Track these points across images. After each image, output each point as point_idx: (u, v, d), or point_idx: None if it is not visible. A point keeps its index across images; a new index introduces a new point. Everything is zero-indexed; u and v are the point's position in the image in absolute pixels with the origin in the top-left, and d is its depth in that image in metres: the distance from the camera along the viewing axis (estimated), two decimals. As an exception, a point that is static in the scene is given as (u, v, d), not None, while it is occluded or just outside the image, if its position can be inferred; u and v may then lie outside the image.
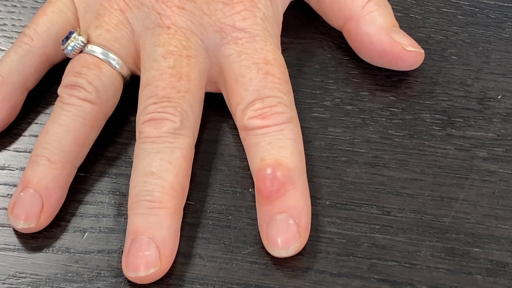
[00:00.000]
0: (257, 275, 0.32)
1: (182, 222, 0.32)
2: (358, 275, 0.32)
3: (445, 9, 0.40)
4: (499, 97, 0.37)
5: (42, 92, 0.36)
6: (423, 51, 0.36)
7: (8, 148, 0.35)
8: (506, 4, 0.40)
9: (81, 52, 0.34)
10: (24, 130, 0.36)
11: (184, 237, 0.32)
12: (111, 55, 0.34)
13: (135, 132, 0.33)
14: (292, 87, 0.34)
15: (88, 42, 0.34)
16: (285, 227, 0.31)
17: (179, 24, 0.34)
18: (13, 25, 0.39)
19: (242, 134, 0.34)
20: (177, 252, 0.32)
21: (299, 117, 0.34)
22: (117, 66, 0.34)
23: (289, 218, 0.31)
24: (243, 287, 0.32)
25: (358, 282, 0.32)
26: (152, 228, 0.31)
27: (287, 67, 0.35)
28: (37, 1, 0.40)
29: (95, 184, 0.34)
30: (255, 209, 0.33)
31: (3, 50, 0.38)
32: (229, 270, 0.32)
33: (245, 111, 0.33)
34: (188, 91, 0.33)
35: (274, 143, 0.32)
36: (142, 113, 0.33)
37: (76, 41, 0.34)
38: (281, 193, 0.32)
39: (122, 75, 0.34)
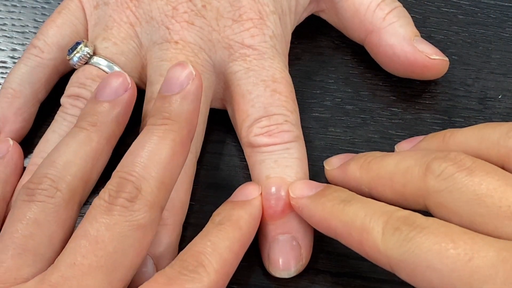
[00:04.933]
0: (257, 275, 0.32)
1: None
2: (358, 275, 0.32)
3: (445, 9, 0.40)
4: (499, 97, 0.37)
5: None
6: (447, 59, 0.35)
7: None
8: (506, 4, 0.40)
9: (86, 63, 0.34)
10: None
11: (185, 237, 0.32)
12: (116, 68, 0.33)
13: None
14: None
15: (94, 54, 0.34)
16: (288, 248, 0.31)
17: (187, 39, 0.33)
18: (13, 24, 0.39)
19: (247, 151, 0.34)
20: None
21: (299, 117, 0.34)
22: None
23: (292, 239, 0.31)
24: (243, 287, 0.32)
25: (358, 282, 0.32)
26: (151, 246, 0.30)
27: (288, 67, 0.35)
28: (37, 1, 0.40)
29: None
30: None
31: (3, 50, 0.38)
32: (229, 270, 0.32)
33: (251, 128, 0.33)
34: None
35: (280, 161, 0.32)
36: None
37: (82, 52, 0.34)
38: (285, 213, 0.31)
39: None
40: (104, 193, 0.28)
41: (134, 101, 0.32)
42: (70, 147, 0.30)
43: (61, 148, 0.30)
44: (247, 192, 0.32)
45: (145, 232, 0.27)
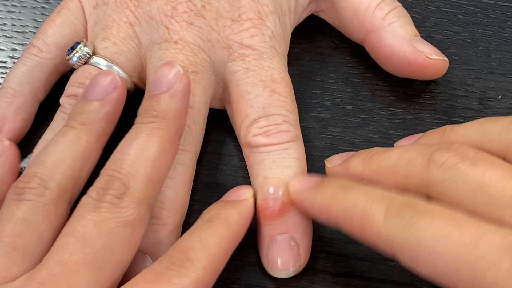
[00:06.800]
0: (257, 275, 0.32)
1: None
2: (358, 275, 0.32)
3: (445, 9, 0.40)
4: (499, 97, 0.37)
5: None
6: (446, 59, 0.35)
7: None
8: (506, 4, 0.40)
9: (86, 63, 0.34)
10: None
11: (184, 237, 0.32)
12: (115, 68, 0.34)
13: None
14: (293, 87, 0.34)
15: (94, 53, 0.34)
16: (286, 248, 0.31)
17: (187, 39, 0.33)
18: (13, 24, 0.39)
19: (245, 151, 0.34)
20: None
21: (299, 117, 0.34)
22: None
23: (290, 239, 0.31)
24: (243, 287, 0.32)
25: (358, 282, 0.32)
26: (151, 245, 0.30)
27: (288, 67, 0.35)
28: (37, 1, 0.40)
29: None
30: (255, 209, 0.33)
31: (3, 50, 0.38)
32: (229, 270, 0.32)
33: (249, 128, 0.33)
34: (192, 107, 0.32)
35: (278, 162, 0.32)
36: None
37: (81, 52, 0.34)
38: (283, 213, 0.31)
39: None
40: (92, 190, 0.28)
41: (124, 100, 0.32)
42: (60, 146, 0.30)
43: (51, 147, 0.30)
44: (239, 193, 0.32)
45: (133, 229, 0.27)
